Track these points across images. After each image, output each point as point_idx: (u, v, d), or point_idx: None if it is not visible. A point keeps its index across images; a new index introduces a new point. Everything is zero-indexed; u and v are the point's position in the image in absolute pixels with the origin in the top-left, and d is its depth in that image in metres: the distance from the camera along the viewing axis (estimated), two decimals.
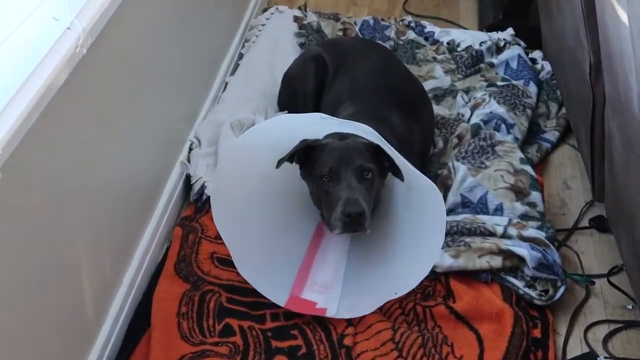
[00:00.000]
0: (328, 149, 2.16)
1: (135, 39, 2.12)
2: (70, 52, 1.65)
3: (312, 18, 3.39)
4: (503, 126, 2.69)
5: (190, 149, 2.62)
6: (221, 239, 2.14)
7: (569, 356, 2.09)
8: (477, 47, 3.21)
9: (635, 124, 1.85)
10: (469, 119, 2.77)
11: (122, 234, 2.13)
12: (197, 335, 2.04)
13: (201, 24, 2.76)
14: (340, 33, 3.34)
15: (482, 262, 2.20)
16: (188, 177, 2.54)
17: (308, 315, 2.11)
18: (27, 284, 1.62)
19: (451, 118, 2.82)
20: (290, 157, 2.15)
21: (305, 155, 2.19)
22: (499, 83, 2.95)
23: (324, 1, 3.72)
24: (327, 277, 2.22)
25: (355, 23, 3.40)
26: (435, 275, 2.22)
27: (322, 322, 2.10)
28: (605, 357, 2.06)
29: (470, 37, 3.30)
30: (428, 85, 3.00)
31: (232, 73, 3.09)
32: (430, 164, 2.64)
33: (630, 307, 2.22)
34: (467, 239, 2.25)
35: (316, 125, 2.18)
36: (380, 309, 2.12)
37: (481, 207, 2.39)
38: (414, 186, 2.10)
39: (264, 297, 2.12)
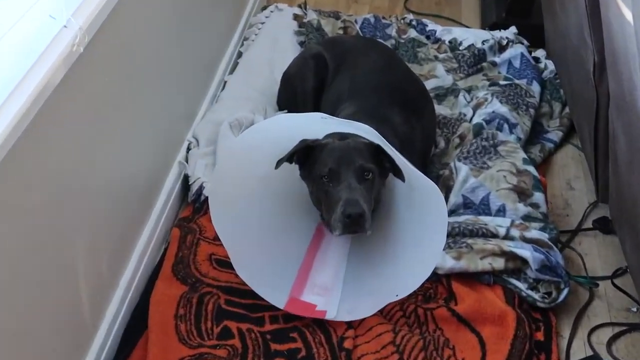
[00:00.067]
0: (328, 149, 2.16)
1: (133, 37, 2.12)
2: (66, 50, 1.65)
3: (312, 16, 3.39)
4: (506, 126, 2.69)
5: (189, 149, 2.62)
6: (219, 240, 2.14)
7: (572, 359, 2.09)
8: (479, 45, 3.21)
9: None
10: (471, 119, 2.77)
11: (119, 234, 2.13)
12: (195, 338, 2.04)
13: (200, 22, 2.76)
14: (341, 31, 3.35)
15: (484, 264, 2.20)
16: (186, 178, 2.55)
17: (307, 317, 2.11)
18: (23, 285, 1.62)
19: (453, 118, 2.82)
20: (290, 157, 2.15)
21: (305, 155, 2.19)
22: (502, 82, 2.95)
23: None
24: (327, 279, 2.22)
25: (355, 21, 3.41)
26: (436, 277, 2.22)
27: (321, 324, 2.10)
28: None
29: (472, 36, 3.30)
30: (430, 84, 3.00)
31: (231, 72, 3.10)
32: (431, 164, 2.65)
33: (634, 309, 2.22)
34: (469, 241, 2.25)
35: (316, 124, 2.18)
36: (381, 311, 2.12)
37: (483, 208, 2.39)
38: (415, 187, 2.10)
39: (262, 299, 2.12)
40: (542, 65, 3.13)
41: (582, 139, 2.64)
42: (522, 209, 2.37)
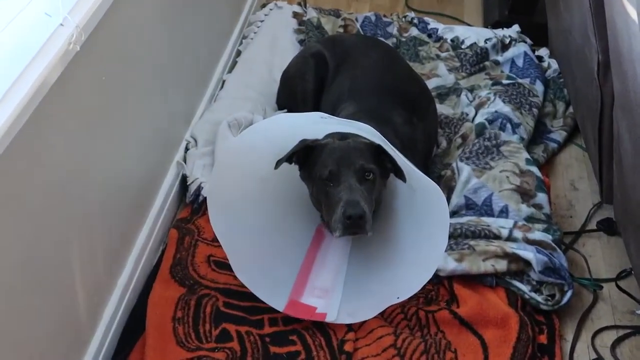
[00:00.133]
0: (328, 150, 2.16)
1: (130, 35, 2.12)
2: (63, 49, 1.65)
3: (312, 14, 3.39)
4: (508, 126, 2.69)
5: (187, 149, 2.62)
6: (218, 241, 2.14)
7: None
8: (481, 44, 3.22)
9: None
10: (473, 118, 2.77)
11: (117, 235, 2.13)
12: (193, 341, 2.04)
13: (198, 20, 2.76)
14: (341, 30, 3.35)
15: (487, 266, 2.20)
16: (184, 178, 2.55)
17: (307, 320, 2.11)
18: (18, 286, 1.62)
19: (455, 117, 2.83)
20: (289, 158, 2.15)
21: (305, 155, 2.19)
22: (505, 81, 2.95)
23: None
24: (327, 281, 2.22)
25: (356, 19, 3.41)
26: (438, 279, 2.22)
27: (321, 327, 2.10)
28: None
29: (474, 34, 3.30)
30: (431, 83, 3.00)
31: (230, 71, 3.10)
32: (433, 165, 2.65)
33: (639, 312, 2.22)
34: (471, 242, 2.25)
35: (316, 124, 2.18)
36: (382, 313, 2.12)
37: (486, 209, 2.39)
38: (416, 187, 2.10)
39: (262, 301, 2.12)
40: (545, 64, 3.13)
41: (586, 139, 2.64)
42: (525, 210, 2.37)
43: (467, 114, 2.81)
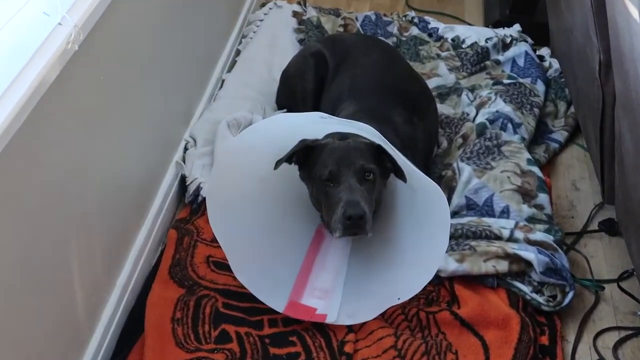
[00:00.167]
0: (328, 150, 2.16)
1: (129, 34, 2.12)
2: (61, 48, 1.65)
3: (311, 13, 3.39)
4: (509, 126, 2.69)
5: (186, 149, 2.62)
6: (217, 242, 2.14)
7: None
8: (482, 43, 3.22)
9: None
10: (474, 118, 2.78)
11: (115, 236, 2.13)
12: (192, 342, 2.04)
13: (197, 19, 2.77)
14: (341, 29, 3.35)
15: (488, 267, 2.20)
16: (183, 178, 2.55)
17: (307, 321, 2.11)
18: (16, 287, 1.62)
19: (456, 117, 2.83)
20: (289, 158, 2.15)
21: (305, 155, 2.19)
22: (505, 81, 2.95)
23: None
24: (327, 282, 2.22)
25: (356, 18, 3.41)
26: (439, 280, 2.22)
27: (321, 328, 2.10)
28: None
29: (475, 34, 3.30)
30: (432, 83, 3.01)
31: (229, 70, 3.10)
32: (434, 165, 2.65)
33: None
34: (472, 243, 2.25)
35: (316, 124, 2.19)
36: (382, 315, 2.12)
37: (487, 209, 2.39)
38: (417, 188, 2.10)
39: (261, 302, 2.12)
40: (546, 64, 3.13)
41: (587, 139, 2.64)
42: (527, 210, 2.37)
43: (467, 114, 2.81)
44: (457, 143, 2.70)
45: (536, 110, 2.83)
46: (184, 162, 2.57)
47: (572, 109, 2.91)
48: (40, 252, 1.70)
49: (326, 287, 2.20)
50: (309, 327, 2.10)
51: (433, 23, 3.41)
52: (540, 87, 2.95)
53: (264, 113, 2.77)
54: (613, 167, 2.29)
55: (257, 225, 2.21)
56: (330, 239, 2.28)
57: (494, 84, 2.96)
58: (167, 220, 2.46)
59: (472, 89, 2.98)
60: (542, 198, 2.43)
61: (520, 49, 3.13)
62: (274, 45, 3.20)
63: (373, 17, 3.42)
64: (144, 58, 2.26)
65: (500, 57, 3.14)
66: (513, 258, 2.20)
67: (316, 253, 2.28)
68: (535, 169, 2.50)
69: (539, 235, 2.27)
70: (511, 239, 2.26)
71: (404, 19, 3.45)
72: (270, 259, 2.20)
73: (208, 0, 2.89)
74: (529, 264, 2.19)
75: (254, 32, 3.30)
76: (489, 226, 2.30)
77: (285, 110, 2.79)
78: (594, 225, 2.51)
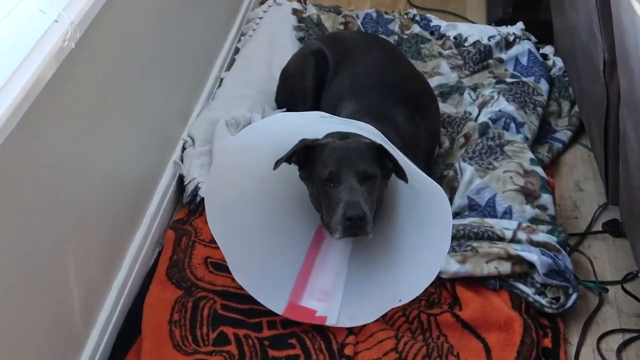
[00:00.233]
0: (328, 149, 2.16)
1: (126, 32, 2.13)
2: (57, 46, 1.65)
3: (311, 11, 3.40)
4: (512, 125, 2.70)
5: (184, 148, 2.62)
6: (215, 242, 2.14)
7: None
8: (485, 42, 3.22)
9: None
10: (476, 118, 2.78)
11: (112, 236, 2.13)
12: (190, 344, 2.04)
13: (195, 17, 2.77)
14: (342, 27, 3.35)
15: (490, 268, 2.20)
16: (181, 178, 2.55)
17: (307, 323, 2.11)
18: (11, 288, 1.62)
19: (458, 116, 2.83)
20: (289, 158, 2.15)
21: (305, 155, 2.19)
22: (508, 80, 2.95)
23: None
24: (327, 283, 2.22)
25: (357, 16, 3.41)
26: (440, 282, 2.22)
27: (321, 330, 2.10)
28: None
29: (478, 32, 3.30)
30: (434, 81, 3.01)
31: (228, 68, 3.10)
32: (435, 165, 2.65)
33: None
34: (474, 244, 2.25)
35: (316, 123, 2.19)
36: (383, 317, 2.12)
37: (489, 210, 2.39)
38: (418, 188, 2.10)
39: (260, 304, 2.12)
40: (550, 63, 3.13)
41: (591, 138, 2.64)
42: (530, 211, 2.37)
43: (470, 113, 2.81)
44: (459, 143, 2.70)
45: (539, 109, 2.83)
46: (182, 162, 2.57)
47: (576, 108, 2.91)
48: (36, 253, 1.70)
49: (326, 288, 2.20)
50: (308, 330, 2.10)
51: (435, 21, 3.42)
52: (543, 86, 2.95)
53: (263, 112, 2.78)
54: (617, 167, 2.29)
55: (256, 226, 2.21)
56: (330, 240, 2.28)
57: (496, 83, 2.96)
58: (165, 220, 2.46)
59: (474, 88, 2.99)
60: (546, 199, 2.43)
61: (524, 47, 3.13)
62: (274, 44, 3.20)
63: (374, 15, 3.42)
64: (142, 56, 2.26)
65: (503, 56, 3.14)
66: (516, 259, 2.20)
67: (316, 254, 2.28)
68: (539, 169, 2.50)
69: (542, 236, 2.27)
70: (514, 240, 2.26)
71: (405, 16, 3.45)
72: (269, 260, 2.20)
73: None
74: (531, 265, 2.19)
75: (253, 29, 3.30)
76: (492, 227, 2.30)
77: (284, 109, 2.80)
78: (598, 227, 2.51)
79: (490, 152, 2.56)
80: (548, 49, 3.21)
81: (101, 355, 2.02)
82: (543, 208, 2.41)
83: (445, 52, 3.23)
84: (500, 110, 2.74)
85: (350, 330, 2.09)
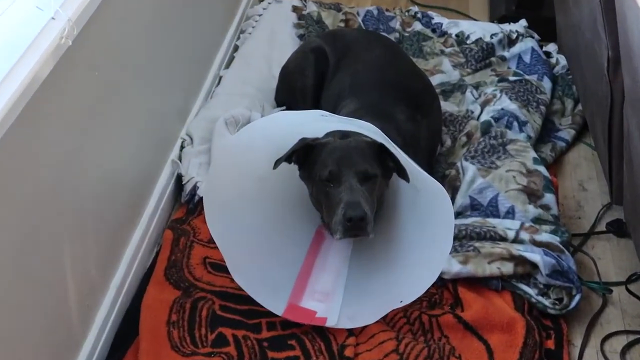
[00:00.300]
0: (328, 149, 2.16)
1: (124, 29, 2.13)
2: (54, 43, 1.65)
3: (312, 8, 3.40)
4: (515, 124, 2.70)
5: (182, 147, 2.62)
6: (214, 242, 2.14)
7: None
8: (487, 39, 3.22)
9: None
10: (478, 116, 2.78)
11: (110, 236, 2.13)
12: (188, 345, 2.05)
13: (194, 14, 2.77)
14: (342, 24, 3.35)
15: (492, 269, 2.21)
16: (179, 177, 2.55)
17: (307, 324, 2.11)
18: (7, 288, 1.62)
19: (460, 115, 2.83)
20: (289, 157, 2.15)
21: (305, 154, 2.19)
22: (511, 78, 2.96)
23: None
24: (328, 284, 2.22)
25: (358, 13, 3.41)
26: (442, 283, 2.23)
27: (321, 332, 2.10)
28: None
29: (480, 29, 3.31)
30: (435, 79, 3.01)
31: (227, 66, 3.10)
32: (437, 164, 2.65)
33: None
34: (477, 244, 2.25)
35: (316, 122, 2.19)
36: (384, 318, 2.12)
37: (491, 209, 2.39)
38: (419, 187, 2.10)
39: (259, 305, 2.12)
40: (553, 60, 3.13)
41: (595, 137, 2.65)
42: (532, 210, 2.38)
43: (472, 112, 2.82)
44: (461, 141, 2.71)
45: (542, 108, 2.83)
46: (180, 161, 2.57)
47: (579, 107, 2.92)
48: (33, 252, 1.71)
49: (326, 289, 2.20)
50: (308, 331, 2.10)
51: (437, 18, 3.42)
52: (546, 84, 2.95)
53: (262, 110, 2.78)
54: (621, 166, 2.29)
55: (256, 226, 2.21)
56: (330, 240, 2.28)
57: (499, 81, 2.97)
58: (163, 220, 2.46)
59: (476, 86, 2.99)
60: (549, 198, 2.43)
61: (527, 45, 3.13)
62: (273, 41, 3.20)
63: (375, 12, 3.42)
64: (140, 54, 2.27)
65: (506, 54, 3.14)
66: (518, 260, 2.20)
67: (316, 254, 2.28)
68: (542, 169, 2.50)
69: (545, 236, 2.27)
70: (516, 240, 2.26)
71: (406, 14, 3.46)
72: (269, 260, 2.21)
73: None
74: (534, 265, 2.19)
75: (253, 27, 3.30)
76: (494, 227, 2.30)
77: (284, 107, 2.80)
78: (602, 227, 2.51)
79: (493, 151, 2.56)
80: (551, 47, 3.21)
81: (99, 355, 2.02)
82: (546, 208, 2.41)
83: (447, 50, 3.23)
84: (502, 109, 2.74)
85: (351, 332, 2.09)
